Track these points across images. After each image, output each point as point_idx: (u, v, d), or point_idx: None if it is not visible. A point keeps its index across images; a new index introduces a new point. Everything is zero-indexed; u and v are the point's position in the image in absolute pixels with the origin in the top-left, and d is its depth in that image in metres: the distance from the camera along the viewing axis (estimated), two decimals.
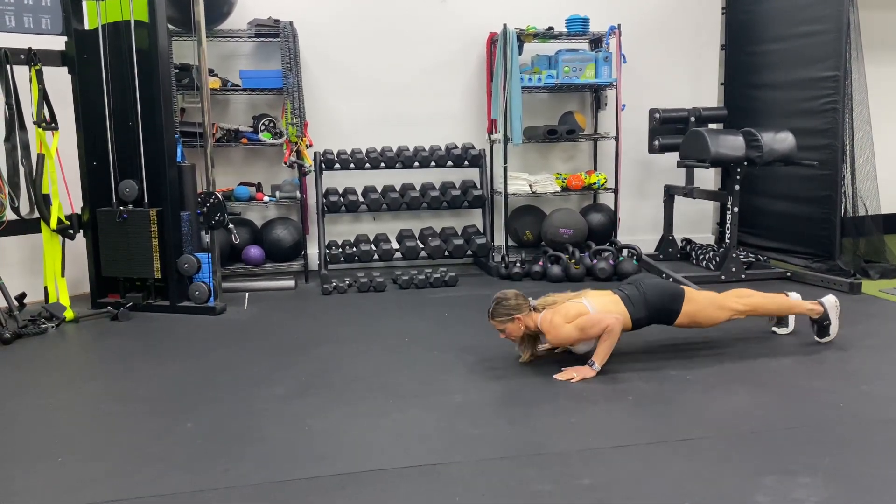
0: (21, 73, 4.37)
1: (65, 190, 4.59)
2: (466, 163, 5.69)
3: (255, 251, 5.39)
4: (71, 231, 4.56)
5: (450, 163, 5.67)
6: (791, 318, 3.79)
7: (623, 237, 5.93)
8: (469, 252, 5.52)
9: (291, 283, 5.21)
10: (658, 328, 3.50)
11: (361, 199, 5.55)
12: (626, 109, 5.80)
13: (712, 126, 5.83)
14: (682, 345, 3.61)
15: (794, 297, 3.69)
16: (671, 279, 4.95)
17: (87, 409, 3.06)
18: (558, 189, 5.84)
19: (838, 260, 5.09)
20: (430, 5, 5.82)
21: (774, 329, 3.80)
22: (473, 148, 5.69)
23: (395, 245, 5.56)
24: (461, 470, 2.41)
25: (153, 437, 2.73)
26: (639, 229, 6.24)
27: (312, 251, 5.67)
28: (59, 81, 4.53)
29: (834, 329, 3.58)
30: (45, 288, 4.52)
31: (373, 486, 2.31)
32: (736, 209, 5.02)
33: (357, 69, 5.76)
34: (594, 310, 3.27)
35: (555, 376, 3.20)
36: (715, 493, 2.23)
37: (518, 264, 5.41)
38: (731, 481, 2.30)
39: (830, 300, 3.60)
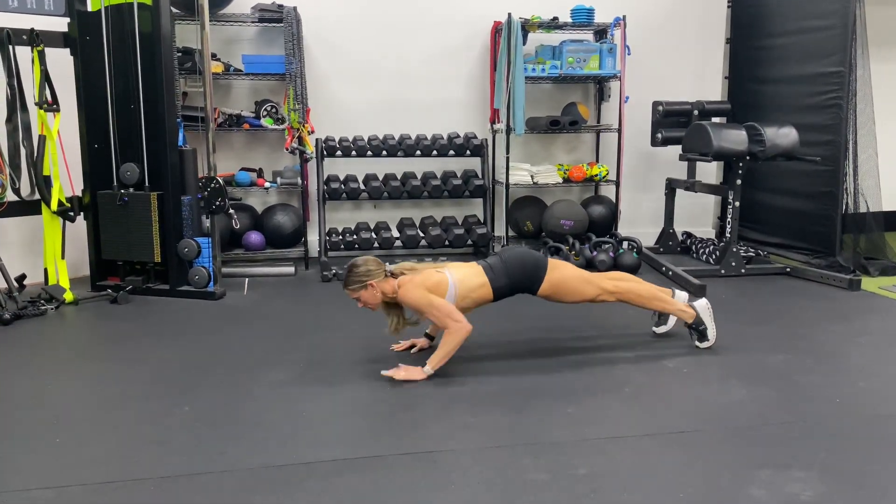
0: (23, 54, 4.35)
1: (66, 172, 4.59)
2: (468, 152, 5.68)
3: (255, 237, 5.39)
4: (71, 213, 4.56)
5: (452, 152, 5.66)
6: (671, 318, 3.65)
7: (624, 230, 5.93)
8: (469, 242, 5.52)
9: (291, 269, 5.21)
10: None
11: (362, 186, 5.55)
12: (629, 101, 5.79)
13: (716, 120, 5.81)
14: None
15: (680, 295, 3.59)
16: (671, 273, 4.95)
17: (85, 391, 3.07)
18: (560, 180, 5.83)
19: (838, 256, 5.09)
20: None
21: (654, 329, 3.69)
22: (475, 137, 5.68)
23: (396, 233, 5.55)
24: (457, 458, 2.42)
25: (150, 419, 2.73)
26: (639, 222, 6.23)
27: (313, 238, 5.66)
28: (62, 63, 4.52)
29: (712, 333, 3.45)
30: (45, 270, 4.53)
31: (369, 472, 2.32)
32: (737, 203, 5.02)
33: (360, 56, 5.74)
34: (455, 280, 3.19)
35: (382, 372, 3.10)
36: (709, 486, 2.24)
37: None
38: (725, 474, 2.31)
39: (702, 303, 3.47)
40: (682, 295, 3.62)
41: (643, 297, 3.44)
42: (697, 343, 3.49)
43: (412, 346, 3.49)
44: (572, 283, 3.32)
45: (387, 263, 3.24)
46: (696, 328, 3.47)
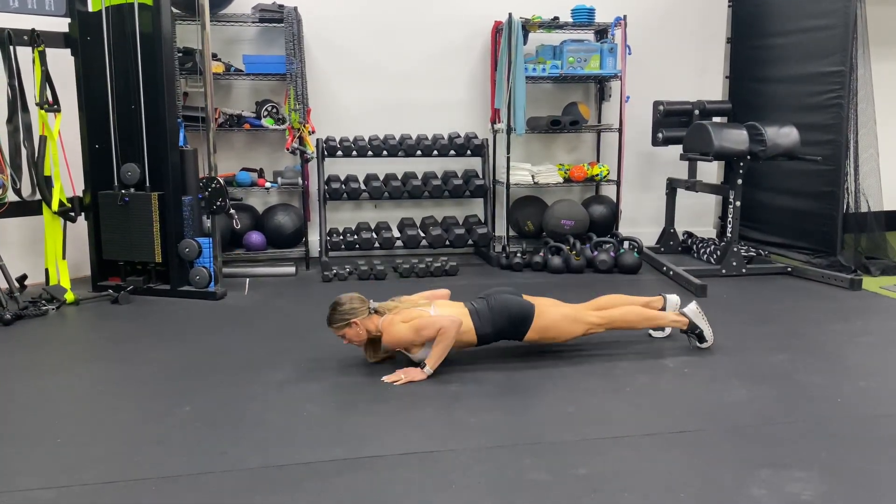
0: (24, 55, 4.36)
1: (67, 172, 4.59)
2: (469, 152, 5.68)
3: (256, 237, 5.39)
4: (72, 213, 4.56)
5: (452, 152, 5.66)
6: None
7: (624, 229, 5.93)
8: (470, 242, 5.52)
9: (292, 269, 5.21)
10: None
11: (363, 186, 5.55)
12: (630, 101, 5.78)
13: (716, 120, 5.81)
14: (679, 338, 3.61)
15: (672, 300, 3.57)
16: (671, 272, 4.95)
17: (86, 391, 3.07)
18: (560, 180, 5.83)
19: (839, 256, 5.09)
20: None
21: (651, 333, 3.67)
22: (476, 137, 5.68)
23: (397, 233, 5.56)
24: (458, 457, 2.42)
25: (151, 419, 2.74)
26: (640, 222, 6.23)
27: (313, 238, 5.67)
28: (62, 63, 4.52)
29: (709, 334, 3.44)
30: (46, 270, 4.53)
31: (370, 472, 2.32)
32: (738, 203, 5.01)
33: (361, 56, 5.74)
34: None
35: (383, 378, 3.08)
36: (710, 486, 2.24)
37: (519, 255, 5.41)
38: (726, 474, 2.30)
39: (692, 308, 3.47)
40: (673, 299, 3.61)
41: (632, 322, 3.44)
42: (697, 345, 3.49)
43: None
44: (559, 327, 3.29)
45: (371, 301, 3.21)
46: (693, 332, 3.47)
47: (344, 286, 4.85)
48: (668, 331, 3.65)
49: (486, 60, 5.91)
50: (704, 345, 3.47)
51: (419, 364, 3.16)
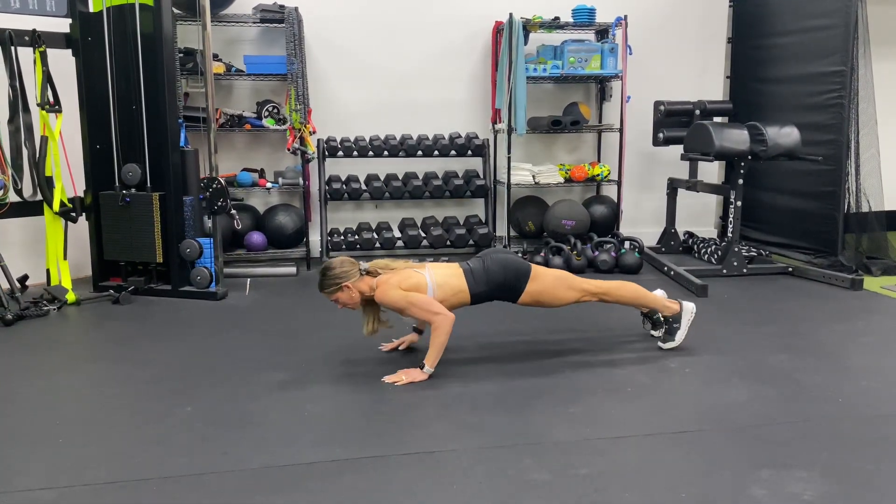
0: (25, 55, 4.36)
1: (68, 173, 4.59)
2: (470, 152, 5.68)
3: (257, 237, 5.39)
4: (73, 214, 4.57)
5: (453, 152, 5.66)
6: (678, 336, 3.49)
7: (625, 229, 5.93)
8: (471, 242, 5.52)
9: (293, 269, 5.21)
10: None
11: (364, 186, 5.55)
12: (630, 101, 5.79)
13: (717, 120, 5.81)
14: None
15: (660, 293, 3.56)
16: (672, 272, 4.95)
17: (87, 392, 3.07)
18: (561, 180, 5.83)
19: (840, 256, 5.08)
20: None
21: (652, 332, 3.62)
22: (477, 137, 5.68)
23: (397, 233, 5.56)
24: (459, 458, 2.42)
25: (153, 419, 2.74)
26: (641, 222, 6.23)
27: (314, 238, 5.67)
28: (63, 64, 4.52)
29: (680, 336, 3.42)
30: (48, 270, 4.53)
31: (371, 472, 2.32)
32: (739, 203, 5.01)
33: (362, 56, 5.74)
34: (434, 283, 3.15)
35: (383, 378, 3.07)
36: (711, 486, 2.24)
37: (520, 255, 5.41)
38: (727, 474, 2.30)
39: (689, 306, 3.46)
40: (660, 292, 3.59)
41: (625, 295, 3.44)
42: (661, 344, 3.47)
43: (400, 344, 3.48)
44: (553, 291, 3.29)
45: (361, 262, 3.20)
46: (671, 324, 3.46)
47: None
48: (679, 342, 3.61)
49: (486, 60, 5.91)
50: (668, 344, 3.45)
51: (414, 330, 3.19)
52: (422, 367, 3.10)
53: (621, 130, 5.83)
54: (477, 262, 3.28)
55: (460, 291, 3.19)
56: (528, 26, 5.51)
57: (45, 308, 4.19)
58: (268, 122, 5.36)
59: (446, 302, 3.16)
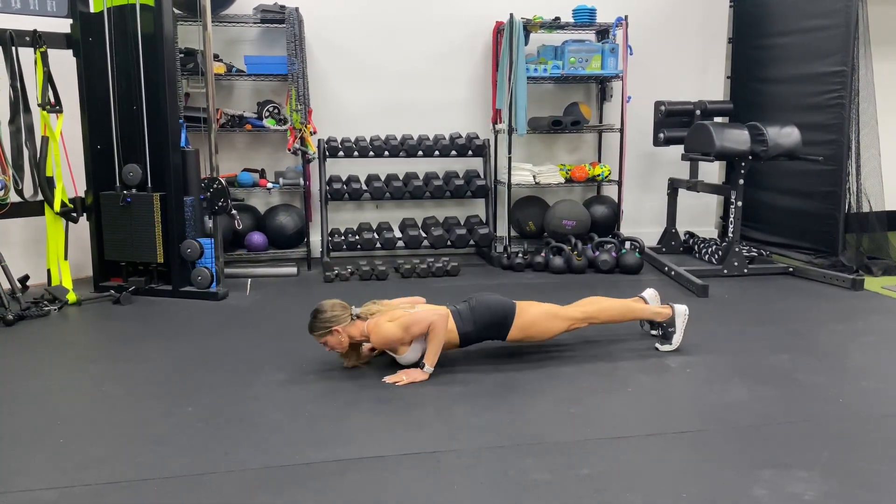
0: (26, 56, 4.36)
1: (69, 173, 4.60)
2: (470, 152, 5.68)
3: (257, 237, 5.39)
4: (74, 214, 4.57)
5: (454, 152, 5.66)
6: (675, 340, 3.48)
7: (626, 230, 5.93)
8: (471, 242, 5.52)
9: (294, 269, 5.22)
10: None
11: (364, 187, 5.55)
12: (631, 101, 5.79)
13: (718, 120, 5.81)
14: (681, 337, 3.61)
15: (650, 293, 3.55)
16: (673, 273, 4.95)
17: (88, 392, 3.07)
18: (562, 180, 5.83)
19: (841, 256, 5.08)
20: None
21: (651, 332, 3.62)
22: (478, 137, 5.68)
23: (398, 234, 5.56)
24: (460, 458, 2.42)
25: (154, 419, 2.74)
26: (642, 222, 6.23)
27: (315, 238, 5.67)
28: (64, 64, 4.53)
29: (677, 339, 3.43)
30: (48, 270, 4.54)
31: (372, 473, 2.32)
32: (739, 203, 5.01)
33: (362, 56, 5.75)
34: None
35: (384, 379, 3.08)
36: (712, 486, 2.24)
37: (520, 255, 5.41)
38: (728, 474, 2.30)
39: (680, 308, 3.46)
40: (650, 293, 3.58)
41: (613, 314, 3.45)
42: (658, 345, 3.48)
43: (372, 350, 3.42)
44: (541, 325, 3.30)
45: (353, 307, 3.20)
46: (666, 328, 3.46)
47: (346, 286, 4.86)
48: (675, 345, 3.57)
49: (487, 61, 5.91)
50: (666, 347, 3.45)
51: (407, 366, 3.16)
52: (422, 367, 3.10)
53: (622, 130, 5.83)
54: (463, 305, 3.31)
55: (449, 331, 3.18)
56: (528, 26, 5.51)
57: (46, 308, 4.19)
58: (268, 123, 5.36)
59: None
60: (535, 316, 3.30)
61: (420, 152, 5.61)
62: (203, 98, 4.67)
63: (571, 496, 2.17)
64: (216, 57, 5.24)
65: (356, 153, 5.55)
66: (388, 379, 3.09)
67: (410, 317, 3.09)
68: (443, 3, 5.81)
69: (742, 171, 4.97)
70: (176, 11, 4.82)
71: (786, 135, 4.88)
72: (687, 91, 6.05)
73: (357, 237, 5.38)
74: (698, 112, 5.66)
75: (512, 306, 3.28)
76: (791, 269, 5.11)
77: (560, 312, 3.36)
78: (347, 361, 3.27)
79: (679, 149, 5.61)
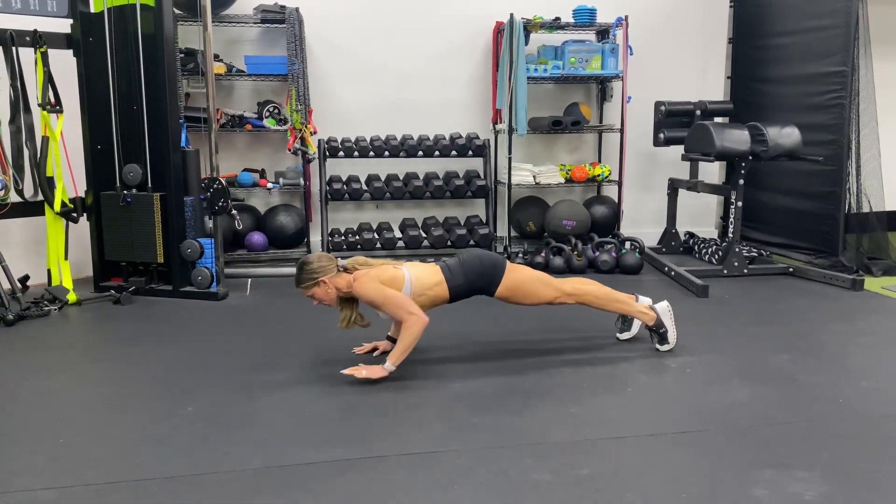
0: (26, 56, 4.36)
1: (69, 173, 4.60)
2: (470, 152, 5.68)
3: (257, 237, 5.39)
4: (74, 214, 4.57)
5: (454, 152, 5.67)
6: (635, 324, 3.60)
7: (626, 230, 5.93)
8: (472, 242, 5.52)
9: (294, 269, 5.20)
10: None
11: (364, 187, 5.55)
12: (631, 102, 5.79)
13: (718, 120, 5.81)
14: (681, 338, 3.61)
15: (643, 300, 3.53)
16: (673, 273, 4.95)
17: (88, 392, 3.08)
18: (562, 180, 5.83)
19: (841, 256, 5.08)
20: None
21: (618, 335, 3.62)
22: (478, 138, 5.68)
23: (398, 234, 5.56)
24: (460, 458, 2.42)
25: (154, 419, 2.74)
26: (642, 222, 6.23)
27: (315, 238, 5.67)
28: (64, 64, 4.53)
29: (672, 336, 3.43)
30: (49, 270, 4.54)
31: (372, 473, 2.32)
32: (740, 204, 5.01)
33: (362, 56, 5.75)
34: (411, 276, 3.15)
35: (342, 371, 3.05)
36: (712, 486, 2.24)
37: (520, 255, 5.41)
38: (728, 474, 2.30)
39: (663, 306, 3.45)
40: (645, 300, 3.58)
41: (601, 299, 3.42)
42: (658, 346, 3.47)
43: (374, 349, 3.45)
44: (530, 285, 3.28)
45: (339, 259, 3.20)
46: (657, 331, 3.45)
47: None
48: (634, 331, 3.62)
49: (487, 61, 5.91)
50: (665, 347, 3.45)
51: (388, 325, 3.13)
52: (384, 364, 3.05)
53: (622, 131, 5.83)
54: (453, 260, 3.31)
55: (437, 284, 3.18)
56: (528, 27, 5.51)
57: (46, 308, 4.19)
58: (269, 123, 5.37)
59: (424, 295, 3.16)
60: (525, 276, 3.29)
61: (420, 152, 5.62)
62: (203, 98, 4.67)
63: (571, 496, 2.17)
64: (216, 57, 5.24)
65: (356, 153, 5.55)
66: (347, 371, 3.04)
67: (396, 296, 3.06)
68: (443, 3, 5.81)
69: (742, 172, 4.97)
70: (176, 11, 4.82)
71: (786, 135, 4.88)
72: (687, 91, 6.05)
73: (357, 237, 5.38)
74: (698, 112, 5.66)
75: (502, 261, 3.28)
76: (791, 270, 5.11)
77: (551, 281, 3.35)
78: (343, 321, 3.23)
79: (679, 149, 5.61)
